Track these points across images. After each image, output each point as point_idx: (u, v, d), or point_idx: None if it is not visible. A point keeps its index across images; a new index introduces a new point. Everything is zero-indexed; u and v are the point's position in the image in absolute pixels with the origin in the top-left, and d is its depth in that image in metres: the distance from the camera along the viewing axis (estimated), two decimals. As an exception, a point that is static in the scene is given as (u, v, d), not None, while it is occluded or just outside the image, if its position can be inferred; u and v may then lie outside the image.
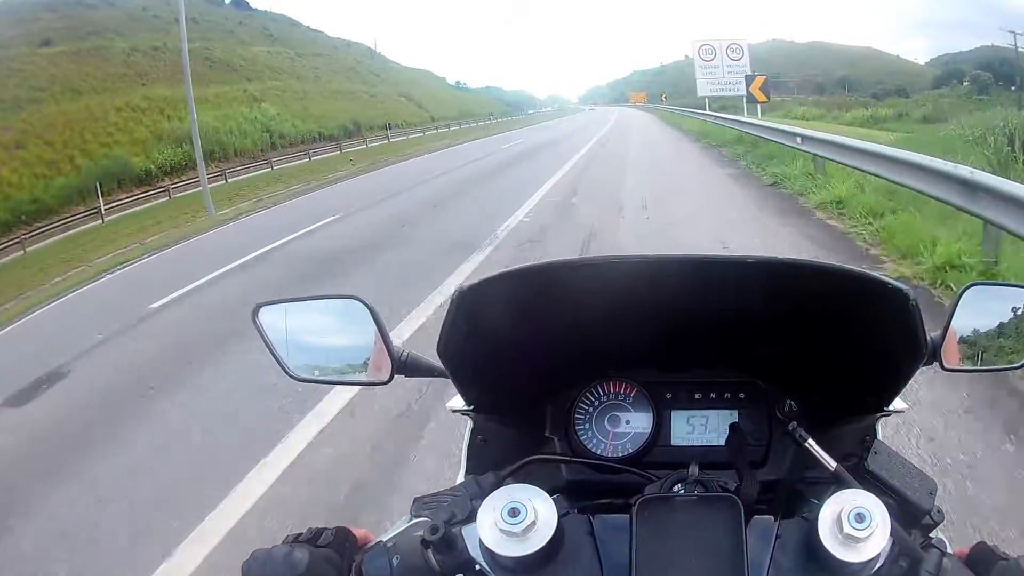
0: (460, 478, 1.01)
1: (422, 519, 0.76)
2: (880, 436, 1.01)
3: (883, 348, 0.86)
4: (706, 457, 0.98)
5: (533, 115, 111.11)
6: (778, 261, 0.82)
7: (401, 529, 0.77)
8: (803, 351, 1.01)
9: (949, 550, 0.73)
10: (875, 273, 0.79)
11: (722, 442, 1.06)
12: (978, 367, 0.97)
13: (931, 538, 0.75)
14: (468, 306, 0.82)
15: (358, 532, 0.79)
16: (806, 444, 0.87)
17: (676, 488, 0.82)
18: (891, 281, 0.77)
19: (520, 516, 0.68)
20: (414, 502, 0.82)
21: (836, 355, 0.98)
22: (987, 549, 0.72)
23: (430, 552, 0.71)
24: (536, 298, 0.90)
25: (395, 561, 0.71)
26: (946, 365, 0.93)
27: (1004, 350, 0.95)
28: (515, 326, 0.92)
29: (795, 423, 0.90)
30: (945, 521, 0.83)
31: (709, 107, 26.36)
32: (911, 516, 0.80)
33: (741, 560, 0.69)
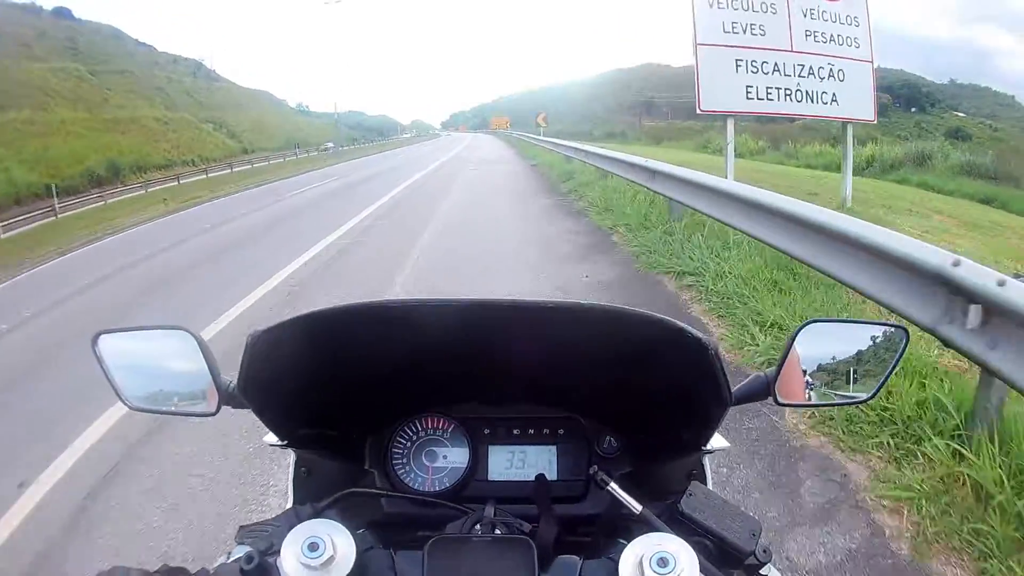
0: (288, 507, 1.00)
1: (244, 548, 0.76)
2: (708, 473, 1.04)
3: (690, 391, 0.88)
4: (521, 492, 1.05)
5: (382, 142, 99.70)
6: (587, 306, 0.84)
7: (224, 559, 0.79)
8: (620, 390, 1.03)
9: None
10: (677, 322, 0.81)
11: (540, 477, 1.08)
12: (816, 402, 0.98)
13: None
14: (264, 349, 0.82)
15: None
16: (608, 488, 0.89)
17: (477, 527, 0.86)
18: (691, 330, 0.80)
19: (319, 550, 0.69)
20: (239, 530, 0.84)
21: (650, 395, 1.00)
22: None
23: None
24: (340, 339, 0.90)
25: None
26: (781, 400, 0.94)
27: (845, 385, 0.97)
28: (319, 367, 0.93)
29: (596, 467, 0.94)
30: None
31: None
32: (732, 558, 0.78)
33: None
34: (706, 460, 1.04)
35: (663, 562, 0.67)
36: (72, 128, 43.34)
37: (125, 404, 0.99)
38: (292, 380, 0.93)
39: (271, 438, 1.03)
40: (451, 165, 29.72)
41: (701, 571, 0.69)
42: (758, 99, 9.25)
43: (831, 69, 9.44)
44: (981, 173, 22.74)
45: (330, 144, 73.86)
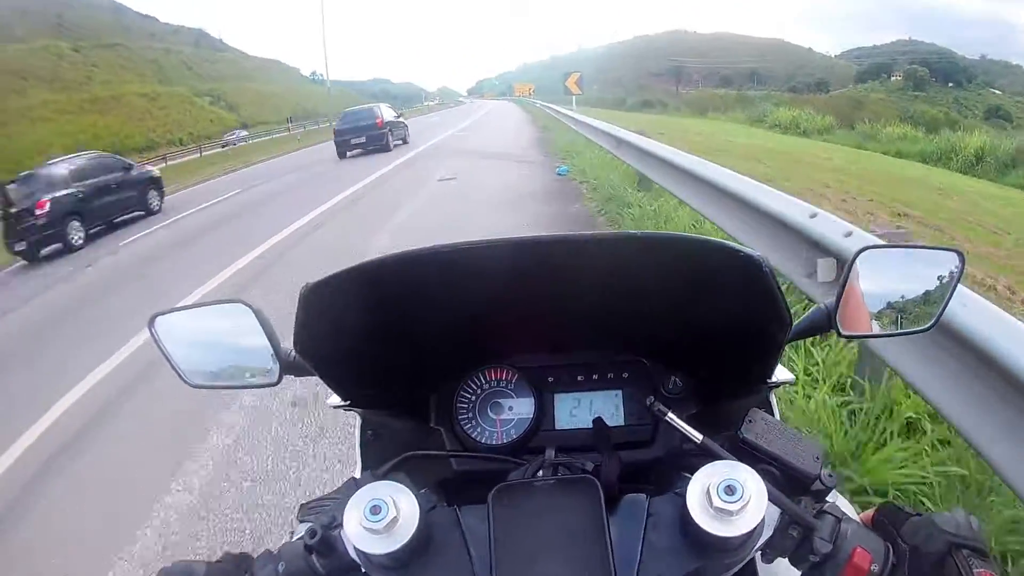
0: (358, 474, 1.00)
1: (307, 525, 0.76)
2: (775, 408, 1.01)
3: (747, 318, 0.86)
4: (588, 439, 1.03)
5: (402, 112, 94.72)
6: (634, 235, 0.83)
7: (289, 539, 0.79)
8: (681, 326, 1.02)
9: (852, 514, 0.72)
10: (726, 241, 0.79)
11: (609, 422, 1.07)
12: (878, 332, 0.96)
13: (825, 503, 0.72)
14: (318, 303, 0.81)
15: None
16: (667, 419, 0.86)
17: (540, 473, 0.85)
18: (742, 248, 0.77)
19: (381, 513, 0.68)
20: (300, 508, 0.84)
21: (711, 328, 0.98)
22: (894, 509, 0.71)
23: (313, 557, 0.72)
24: (396, 289, 0.89)
25: (281, 568, 0.73)
26: (843, 331, 0.92)
27: (904, 312, 0.95)
28: (372, 321, 0.92)
29: (653, 398, 0.90)
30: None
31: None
32: (798, 484, 0.76)
33: (604, 539, 0.69)
34: (772, 396, 1.02)
35: (730, 490, 0.65)
36: (41, 113, 39.90)
37: (186, 383, 1.00)
38: (350, 336, 0.91)
39: (335, 400, 1.02)
40: (416, 174, 15.73)
41: (769, 499, 0.67)
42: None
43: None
44: None
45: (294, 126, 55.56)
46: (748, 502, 0.64)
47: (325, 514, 0.75)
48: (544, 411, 1.13)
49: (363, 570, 0.71)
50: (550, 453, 0.90)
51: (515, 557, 0.70)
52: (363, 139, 22.86)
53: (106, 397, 5.03)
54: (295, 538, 0.77)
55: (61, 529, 3.50)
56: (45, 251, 13.27)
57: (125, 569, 3.02)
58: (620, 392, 1.13)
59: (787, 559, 0.70)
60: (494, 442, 1.11)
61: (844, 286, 0.90)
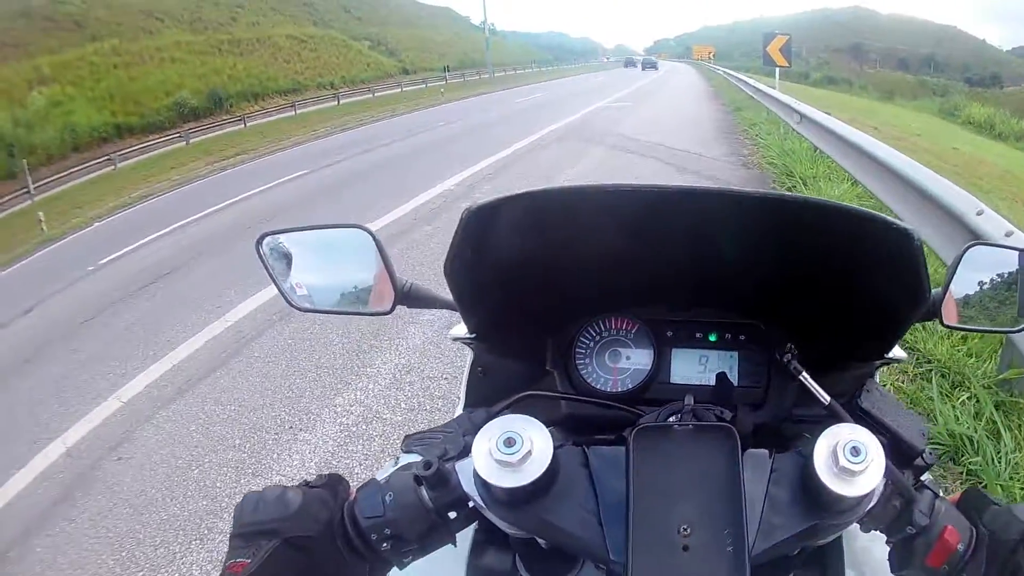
0: (459, 411, 1.04)
1: (414, 456, 0.75)
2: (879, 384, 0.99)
3: (883, 292, 0.86)
4: (702, 396, 0.98)
5: (568, 68, 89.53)
6: (779, 196, 0.82)
7: (394, 468, 0.77)
8: (805, 294, 1.02)
9: (940, 494, 0.74)
10: (880, 213, 0.78)
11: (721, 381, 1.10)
12: (977, 327, 0.99)
13: (923, 480, 0.75)
14: (476, 227, 0.81)
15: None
16: (800, 377, 0.89)
17: (672, 419, 0.83)
18: (895, 221, 0.76)
19: (516, 446, 0.68)
20: (404, 439, 0.84)
21: (837, 299, 0.98)
22: (979, 494, 0.73)
23: (423, 488, 0.71)
24: (544, 225, 0.90)
25: (388, 499, 0.72)
26: (946, 322, 0.94)
27: (1001, 312, 0.97)
28: (521, 253, 0.93)
29: (790, 355, 0.92)
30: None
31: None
32: (903, 456, 0.78)
33: (738, 490, 0.69)
34: (877, 373, 1.02)
35: (856, 451, 0.67)
36: (172, 53, 39.32)
37: (293, 306, 1.00)
38: (495, 267, 0.92)
39: (458, 331, 1.04)
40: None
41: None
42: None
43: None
44: None
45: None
46: (871, 464, 0.66)
47: (436, 447, 0.76)
48: (661, 364, 1.12)
49: (473, 505, 0.72)
50: (689, 399, 0.86)
51: (650, 499, 0.70)
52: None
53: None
54: (400, 467, 0.75)
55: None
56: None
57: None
58: (736, 353, 1.12)
59: (881, 529, 0.72)
60: (609, 389, 1.11)
61: (951, 278, 0.91)
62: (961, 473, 2.87)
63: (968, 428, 3.05)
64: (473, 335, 1.03)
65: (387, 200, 9.53)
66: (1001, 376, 3.32)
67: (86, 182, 24.38)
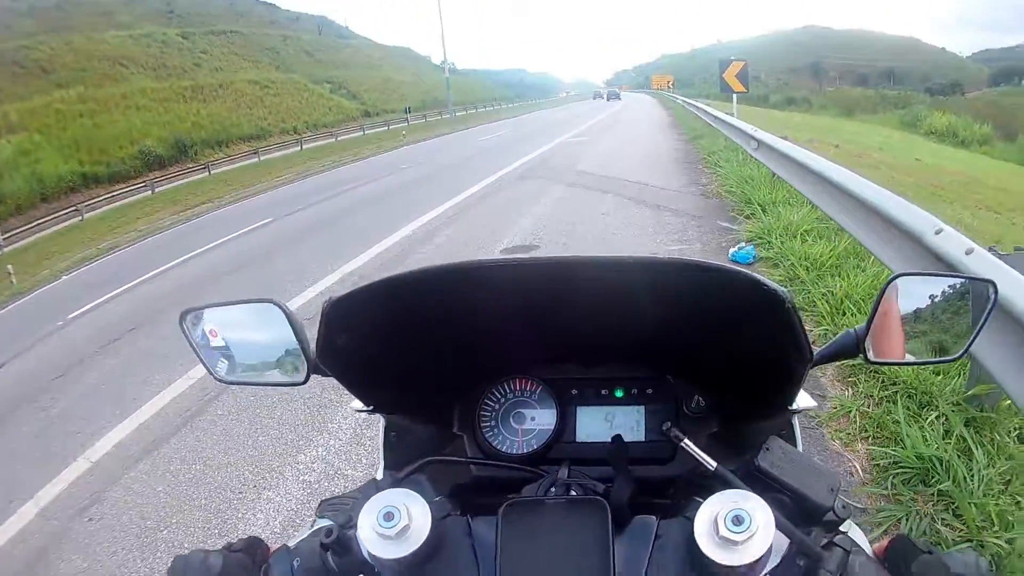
0: (379, 474, 1.04)
1: (326, 521, 0.76)
2: (798, 433, 1.02)
3: (772, 349, 0.86)
4: (606, 454, 1.03)
5: (529, 104, 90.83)
6: (660, 260, 0.84)
7: (308, 534, 0.79)
8: (706, 348, 1.03)
9: (865, 545, 0.74)
10: (753, 273, 0.79)
11: (629, 437, 1.09)
12: (906, 360, 0.97)
13: (838, 534, 0.74)
14: (340, 317, 0.82)
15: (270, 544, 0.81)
16: (681, 444, 0.89)
17: (552, 490, 0.86)
18: (767, 282, 0.77)
19: (394, 520, 0.70)
20: (320, 504, 0.86)
21: (735, 353, 0.99)
22: (907, 543, 0.71)
23: (328, 555, 0.73)
24: (420, 303, 0.90)
25: (296, 564, 0.74)
26: (872, 358, 0.92)
27: (934, 341, 0.96)
28: (400, 332, 0.93)
29: (670, 423, 0.95)
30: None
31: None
32: (810, 514, 0.77)
33: (608, 562, 0.70)
34: (795, 420, 1.02)
35: (738, 520, 0.66)
36: (137, 100, 39.36)
37: (215, 378, 1.02)
38: (373, 346, 0.92)
39: (359, 403, 1.04)
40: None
41: (778, 528, 0.68)
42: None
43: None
44: None
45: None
46: (755, 533, 0.65)
47: (343, 513, 0.75)
48: (566, 423, 1.13)
49: (376, 571, 0.72)
50: (563, 472, 0.89)
51: (520, 573, 0.71)
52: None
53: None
54: (311, 533, 0.77)
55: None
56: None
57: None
58: (643, 408, 1.13)
59: None
60: (515, 451, 1.12)
61: (875, 311, 0.90)
62: (932, 495, 2.88)
63: (937, 449, 3.03)
64: (371, 408, 1.03)
65: (349, 248, 9.67)
66: (970, 392, 3.30)
67: (54, 233, 24.30)
